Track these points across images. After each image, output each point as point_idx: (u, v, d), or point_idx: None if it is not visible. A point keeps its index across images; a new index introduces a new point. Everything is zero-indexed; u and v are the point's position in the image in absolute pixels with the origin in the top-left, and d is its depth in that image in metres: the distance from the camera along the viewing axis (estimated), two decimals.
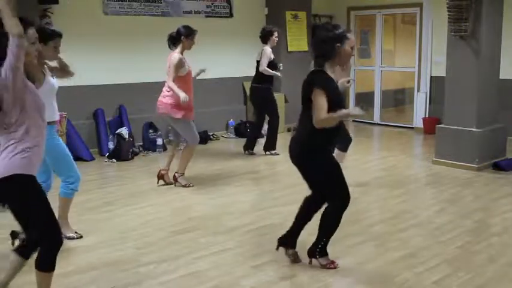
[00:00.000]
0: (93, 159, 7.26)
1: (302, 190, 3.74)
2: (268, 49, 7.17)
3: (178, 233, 4.47)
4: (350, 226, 4.66)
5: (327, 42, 3.50)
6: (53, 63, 4.21)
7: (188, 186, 5.86)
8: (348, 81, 4.21)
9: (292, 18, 9.39)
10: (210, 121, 8.73)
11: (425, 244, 4.23)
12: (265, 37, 7.22)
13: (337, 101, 3.51)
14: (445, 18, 6.67)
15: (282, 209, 5.08)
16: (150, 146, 7.82)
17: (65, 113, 6.94)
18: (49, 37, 3.99)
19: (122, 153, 7.24)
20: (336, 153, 5.47)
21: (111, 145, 7.42)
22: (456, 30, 6.48)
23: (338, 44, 3.49)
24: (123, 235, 4.44)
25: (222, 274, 3.69)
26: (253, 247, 4.16)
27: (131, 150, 7.40)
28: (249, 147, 7.59)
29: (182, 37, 5.69)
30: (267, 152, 7.50)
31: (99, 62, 7.54)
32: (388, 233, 4.48)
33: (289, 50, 9.23)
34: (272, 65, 7.21)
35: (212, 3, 8.78)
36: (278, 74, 7.25)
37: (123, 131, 7.38)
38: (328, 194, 3.67)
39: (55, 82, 4.09)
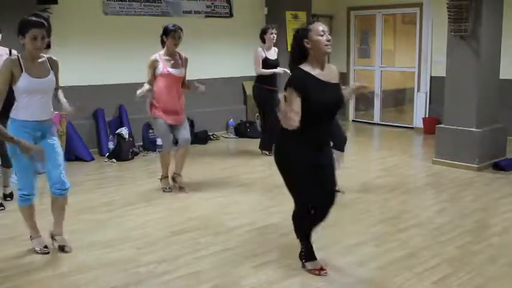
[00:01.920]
0: (93, 159, 7.26)
1: None
2: (257, 50, 7.19)
3: (178, 233, 4.47)
4: (350, 226, 4.67)
5: (296, 45, 3.49)
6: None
7: (165, 191, 5.69)
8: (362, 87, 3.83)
9: (292, 18, 9.38)
10: (210, 121, 8.73)
11: (425, 244, 4.23)
12: (261, 37, 7.27)
13: (314, 97, 3.33)
14: (445, 18, 6.67)
15: (282, 209, 5.07)
16: (150, 146, 7.82)
17: (65, 113, 6.93)
18: (23, 29, 3.67)
19: (122, 153, 7.24)
20: (335, 153, 5.43)
21: (111, 145, 7.42)
22: (456, 30, 6.48)
23: (306, 40, 3.43)
24: (123, 235, 4.44)
25: (222, 274, 3.69)
26: (253, 247, 4.16)
27: (131, 150, 7.40)
28: (265, 148, 7.50)
29: (164, 37, 5.53)
30: (262, 151, 7.50)
31: (99, 62, 7.54)
32: (388, 233, 4.48)
33: (289, 50, 9.20)
34: (268, 63, 7.17)
35: (212, 3, 8.79)
36: (277, 70, 7.13)
37: (123, 131, 7.38)
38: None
39: (32, 82, 3.77)
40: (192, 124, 8.43)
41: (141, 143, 7.88)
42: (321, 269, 3.68)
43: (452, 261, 3.88)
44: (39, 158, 3.54)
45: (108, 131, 7.62)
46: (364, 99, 10.67)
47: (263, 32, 7.25)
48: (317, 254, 3.80)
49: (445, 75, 6.89)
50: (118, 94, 7.67)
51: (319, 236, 4.30)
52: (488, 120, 6.73)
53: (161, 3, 8.12)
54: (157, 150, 7.72)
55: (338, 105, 3.54)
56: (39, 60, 3.85)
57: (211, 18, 8.80)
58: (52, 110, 3.98)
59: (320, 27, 3.44)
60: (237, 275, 3.67)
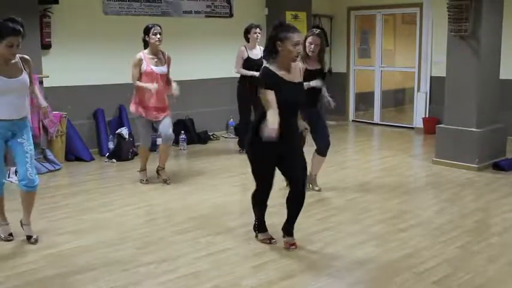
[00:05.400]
0: (93, 159, 7.26)
1: None
2: (240, 50, 7.23)
3: (178, 233, 4.47)
4: (350, 226, 4.67)
5: (269, 40, 3.70)
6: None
7: (142, 182, 6.03)
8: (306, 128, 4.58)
9: (292, 19, 9.37)
10: (210, 121, 8.73)
11: (425, 244, 4.23)
12: (245, 36, 7.30)
13: (278, 95, 3.60)
14: (445, 18, 6.67)
15: (281, 209, 5.07)
16: (149, 146, 7.79)
17: (65, 113, 6.95)
18: (1, 35, 3.75)
19: (122, 153, 7.24)
20: (316, 157, 5.44)
21: (111, 145, 7.42)
22: (456, 30, 6.48)
23: (278, 42, 3.62)
24: (123, 235, 4.44)
25: (222, 274, 3.69)
26: (253, 247, 4.16)
27: (131, 150, 7.39)
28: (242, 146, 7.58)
29: (145, 36, 5.75)
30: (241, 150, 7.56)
31: (99, 62, 7.53)
32: (388, 233, 4.48)
33: None
34: (250, 63, 7.17)
35: (212, 3, 8.78)
36: (254, 73, 7.00)
37: (123, 131, 7.38)
38: None
39: (5, 82, 3.85)
40: (192, 124, 8.45)
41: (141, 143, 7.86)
42: (271, 238, 4.18)
43: (452, 261, 3.88)
44: None
45: (108, 131, 7.62)
46: (364, 99, 10.67)
47: (246, 31, 7.27)
48: (317, 254, 3.80)
49: (445, 75, 6.89)
50: (118, 94, 7.66)
51: (319, 236, 4.32)
52: (488, 120, 6.73)
53: (161, 3, 8.12)
54: (157, 150, 7.71)
55: (298, 103, 3.83)
56: (12, 61, 3.91)
57: (211, 18, 8.79)
58: (27, 109, 4.10)
59: (295, 37, 3.63)
60: (237, 275, 3.67)
